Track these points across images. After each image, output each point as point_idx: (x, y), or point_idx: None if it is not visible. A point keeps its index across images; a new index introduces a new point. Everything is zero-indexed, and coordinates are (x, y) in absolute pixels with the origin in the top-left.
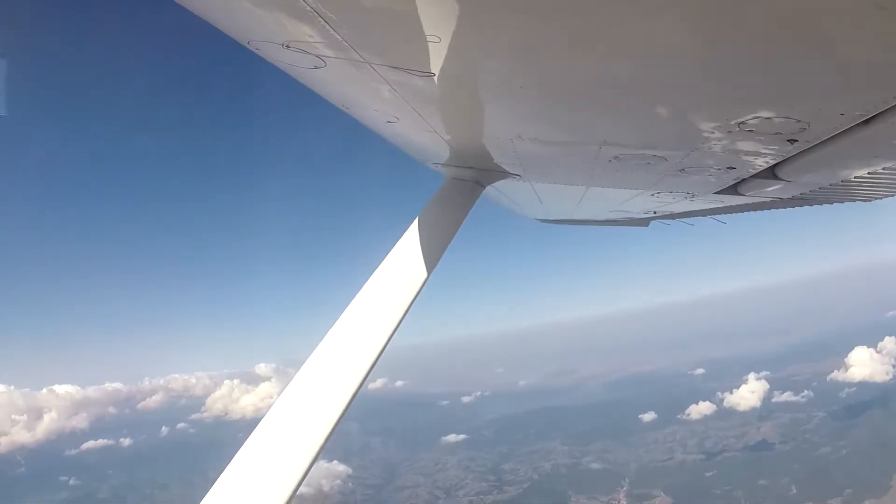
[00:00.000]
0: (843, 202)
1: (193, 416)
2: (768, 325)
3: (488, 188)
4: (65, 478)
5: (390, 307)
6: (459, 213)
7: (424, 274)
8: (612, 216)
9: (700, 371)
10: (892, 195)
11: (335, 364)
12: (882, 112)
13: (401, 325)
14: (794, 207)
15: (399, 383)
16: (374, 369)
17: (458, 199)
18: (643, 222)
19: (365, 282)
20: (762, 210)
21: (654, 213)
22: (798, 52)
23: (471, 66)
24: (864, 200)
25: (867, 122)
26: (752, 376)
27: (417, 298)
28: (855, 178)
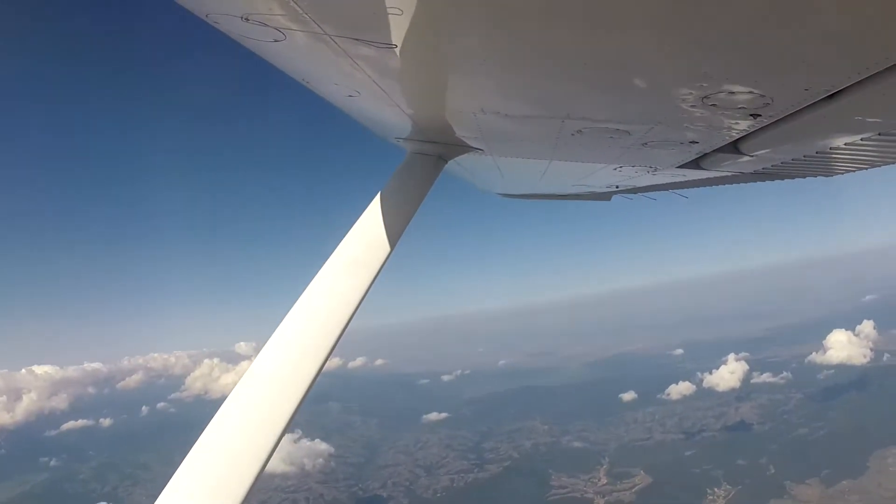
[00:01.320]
0: (804, 177)
1: (173, 396)
2: (749, 307)
3: (450, 162)
4: (45, 459)
5: (352, 284)
6: (421, 187)
7: (387, 249)
8: (575, 190)
9: (680, 352)
10: (853, 171)
11: (296, 343)
12: (846, 87)
13: (364, 301)
14: (755, 182)
15: (379, 362)
16: (337, 347)
17: (420, 173)
18: (605, 196)
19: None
20: (724, 184)
21: (617, 187)
22: (763, 25)
23: (433, 39)
24: (826, 175)
25: (831, 97)
26: (731, 357)
27: (384, 275)
28: (817, 153)
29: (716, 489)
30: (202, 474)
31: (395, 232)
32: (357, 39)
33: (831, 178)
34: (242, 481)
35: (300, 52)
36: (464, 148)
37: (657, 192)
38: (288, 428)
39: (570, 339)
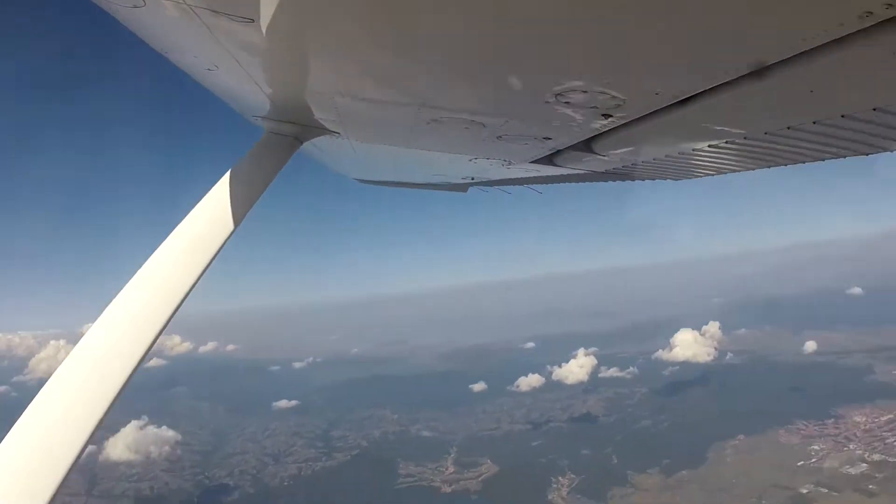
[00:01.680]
0: (654, 179)
1: (16, 379)
2: (602, 306)
3: (307, 144)
4: None
5: (189, 262)
6: (272, 167)
7: (230, 228)
8: (432, 180)
9: (531, 345)
10: (701, 176)
11: (123, 324)
12: (696, 94)
13: (201, 279)
14: (607, 181)
15: (230, 347)
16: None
17: (273, 153)
18: (462, 188)
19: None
20: (577, 182)
21: (473, 178)
22: (615, 27)
23: (291, 16)
24: (675, 179)
25: (682, 102)
26: (581, 352)
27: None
28: (667, 156)
29: (560, 477)
30: (10, 465)
31: (240, 211)
32: (215, 11)
33: (689, 184)
34: (53, 472)
35: (160, 21)
36: (321, 130)
37: (513, 187)
38: (107, 414)
39: (424, 330)
